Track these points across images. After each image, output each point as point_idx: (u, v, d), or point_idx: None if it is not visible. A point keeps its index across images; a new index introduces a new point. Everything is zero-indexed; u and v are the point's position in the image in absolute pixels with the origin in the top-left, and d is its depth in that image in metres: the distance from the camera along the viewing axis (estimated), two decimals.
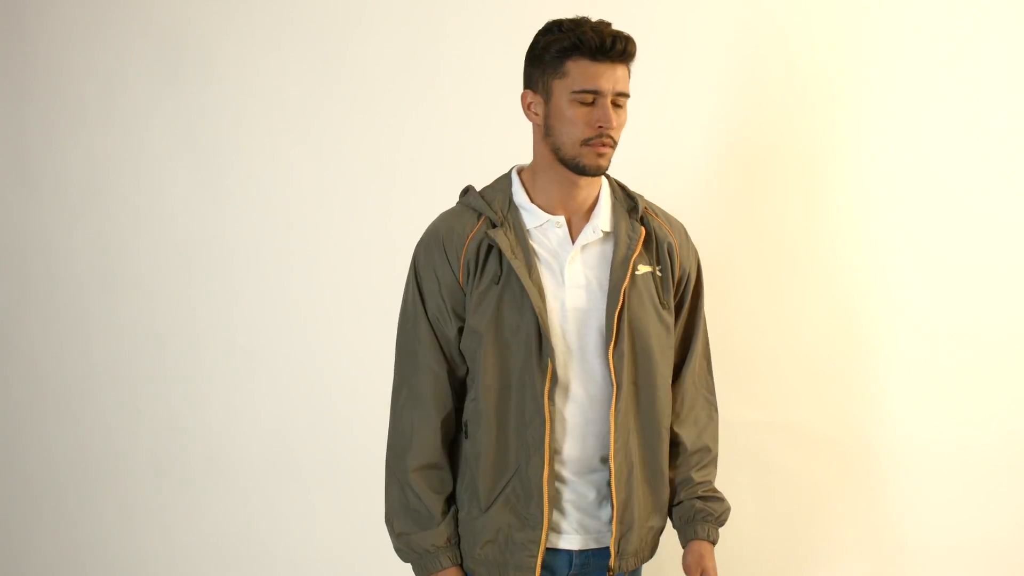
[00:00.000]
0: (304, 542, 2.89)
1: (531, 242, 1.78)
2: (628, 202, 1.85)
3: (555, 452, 1.76)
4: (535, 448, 1.74)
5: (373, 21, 2.66)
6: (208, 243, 2.96)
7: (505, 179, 1.85)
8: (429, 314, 1.82)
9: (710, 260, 2.33)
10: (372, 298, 2.72)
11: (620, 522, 1.77)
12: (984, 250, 2.14)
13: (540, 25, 2.45)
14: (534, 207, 1.79)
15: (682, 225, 1.90)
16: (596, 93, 1.69)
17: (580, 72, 1.69)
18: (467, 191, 1.88)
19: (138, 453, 3.12)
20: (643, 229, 1.81)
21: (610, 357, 1.75)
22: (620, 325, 1.75)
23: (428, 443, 1.82)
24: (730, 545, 2.35)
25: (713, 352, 2.34)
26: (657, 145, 2.37)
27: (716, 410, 1.91)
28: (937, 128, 2.16)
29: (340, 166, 2.75)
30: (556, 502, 1.78)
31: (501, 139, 2.23)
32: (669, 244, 1.83)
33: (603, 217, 1.81)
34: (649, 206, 1.88)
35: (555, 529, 1.78)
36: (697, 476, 1.85)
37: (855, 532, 2.25)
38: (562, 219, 1.79)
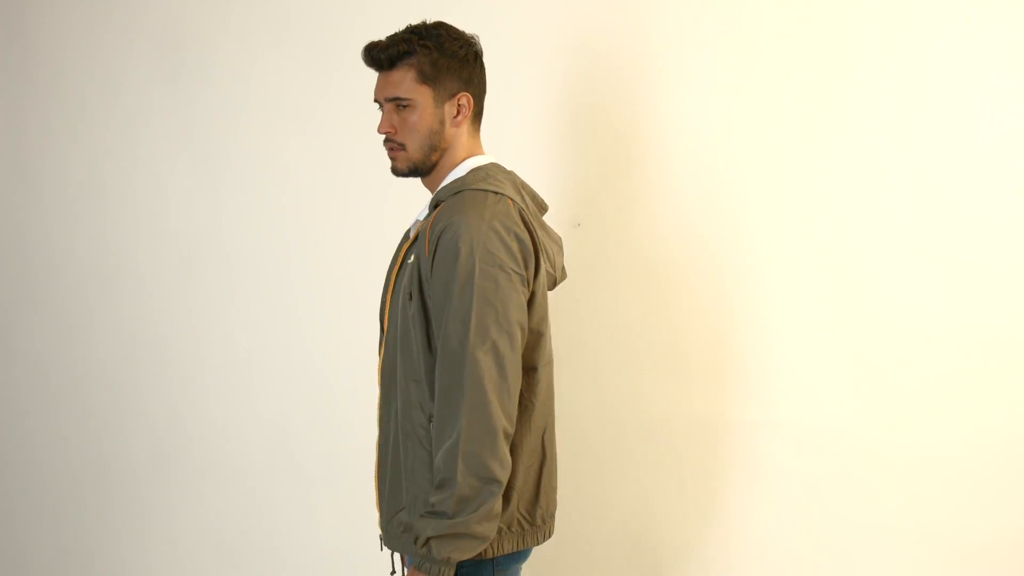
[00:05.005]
0: (305, 540, 2.89)
1: None
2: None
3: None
4: None
5: (371, 20, 2.66)
6: (207, 242, 2.96)
7: None
8: None
9: (708, 260, 2.33)
10: (371, 296, 2.72)
11: (379, 502, 1.86)
12: (985, 250, 2.14)
13: (535, 23, 2.46)
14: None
15: (452, 222, 1.72)
16: (378, 103, 1.85)
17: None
18: None
19: (138, 451, 3.12)
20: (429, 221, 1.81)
21: (381, 344, 1.87)
22: (391, 310, 1.85)
23: None
24: (731, 545, 2.35)
25: (713, 352, 2.34)
26: (658, 142, 2.37)
27: (455, 425, 1.67)
28: (935, 128, 2.15)
29: (339, 165, 2.75)
30: None
31: (498, 138, 2.22)
32: (423, 236, 1.78)
33: (422, 211, 1.90)
34: (452, 198, 1.78)
35: None
36: (431, 493, 1.72)
37: (855, 532, 2.24)
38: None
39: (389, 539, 1.84)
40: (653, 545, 2.41)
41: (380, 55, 1.80)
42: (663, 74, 2.35)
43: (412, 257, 1.79)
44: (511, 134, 2.45)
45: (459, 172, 1.84)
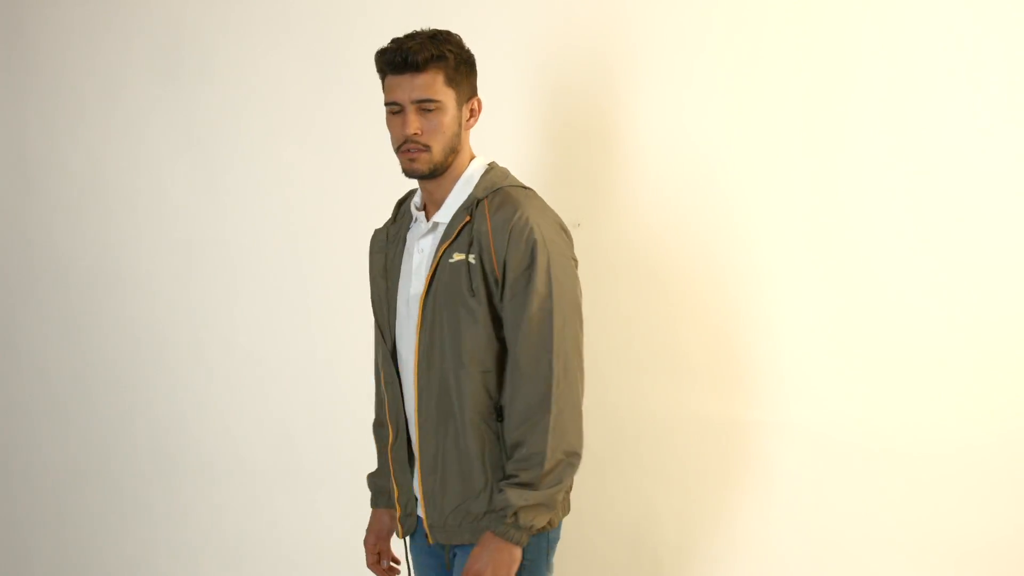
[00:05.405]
0: (308, 540, 2.89)
1: (408, 237, 1.99)
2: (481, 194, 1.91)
3: (398, 427, 1.98)
4: (385, 423, 2.01)
5: (372, 20, 2.66)
6: (208, 242, 2.96)
7: None
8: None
9: (709, 259, 2.33)
10: None
11: (426, 500, 1.91)
12: (985, 249, 2.14)
13: (538, 25, 2.46)
14: (414, 206, 1.99)
15: (517, 215, 1.84)
16: (397, 104, 1.85)
17: (387, 86, 1.87)
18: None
19: (139, 452, 3.12)
20: (467, 218, 1.87)
21: (416, 340, 1.89)
22: (426, 310, 1.88)
23: (376, 405, 2.12)
24: (731, 545, 2.35)
25: (713, 352, 2.34)
26: (658, 142, 2.37)
27: (550, 406, 1.82)
28: (934, 127, 2.16)
29: (339, 165, 2.75)
30: (400, 473, 1.99)
31: (500, 138, 2.23)
32: (482, 232, 1.85)
33: (443, 211, 1.92)
34: (495, 195, 1.89)
35: (415, 497, 1.99)
36: (508, 467, 1.84)
37: (854, 532, 2.25)
38: (421, 215, 1.97)
39: (449, 532, 1.90)
40: (654, 545, 2.41)
41: (416, 57, 1.82)
42: (664, 74, 2.35)
43: (456, 255, 1.86)
44: (511, 135, 2.45)
45: (471, 172, 1.93)
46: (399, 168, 2.65)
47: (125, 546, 3.17)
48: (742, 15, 2.28)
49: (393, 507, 2.10)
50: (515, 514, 1.79)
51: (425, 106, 1.84)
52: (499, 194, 1.89)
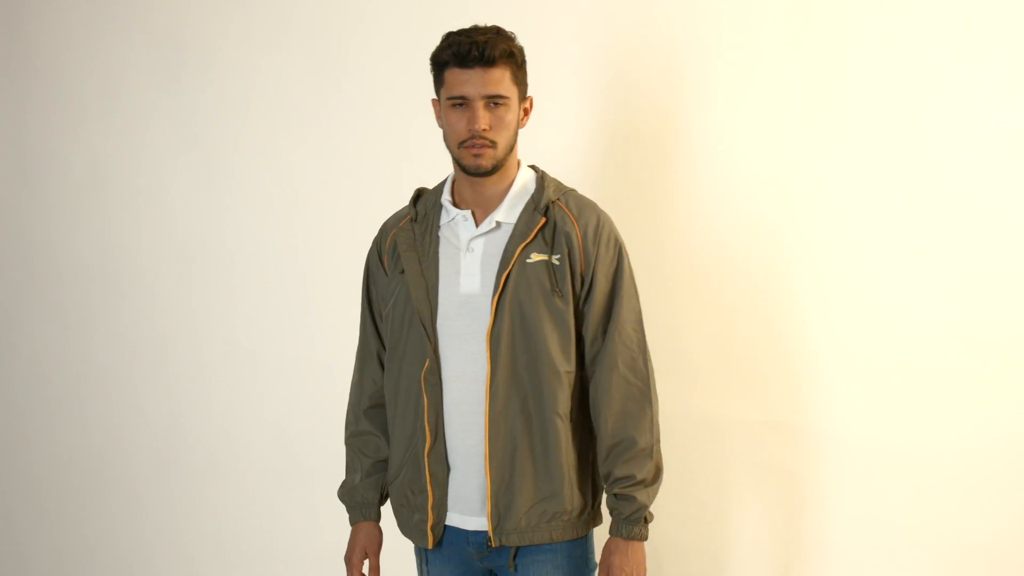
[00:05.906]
0: (305, 540, 2.89)
1: (441, 235, 1.93)
2: (539, 194, 1.91)
3: (437, 430, 1.89)
4: (419, 425, 1.91)
5: (374, 21, 2.66)
6: (209, 242, 2.96)
7: (446, 178, 1.99)
8: (370, 296, 2.04)
9: (711, 260, 2.33)
10: None
11: (495, 503, 1.86)
12: (985, 250, 2.14)
13: (540, 26, 2.46)
14: (448, 204, 1.94)
15: (599, 218, 1.90)
16: (464, 98, 1.82)
17: (452, 80, 1.83)
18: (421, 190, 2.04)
19: (140, 451, 3.12)
20: (543, 219, 1.87)
21: (487, 340, 1.84)
22: (500, 309, 1.84)
23: (352, 412, 2.09)
24: (730, 544, 2.35)
25: (713, 352, 2.34)
26: (661, 142, 2.37)
27: (651, 401, 1.89)
28: (935, 128, 2.16)
29: (340, 165, 2.75)
30: (439, 479, 1.90)
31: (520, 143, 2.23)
32: (568, 234, 1.87)
33: (504, 210, 1.90)
34: (567, 198, 1.92)
35: (450, 508, 1.91)
36: (618, 470, 1.86)
37: (855, 532, 2.25)
38: (468, 213, 1.91)
39: (522, 533, 1.87)
40: (654, 544, 2.41)
41: (492, 52, 1.80)
42: (683, 77, 2.35)
43: (535, 256, 1.86)
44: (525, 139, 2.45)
45: (524, 173, 1.94)
46: (399, 169, 2.66)
47: (123, 546, 3.17)
48: (764, 25, 2.28)
49: (378, 519, 2.06)
50: (645, 515, 1.86)
51: (495, 101, 1.83)
52: (571, 197, 1.92)
